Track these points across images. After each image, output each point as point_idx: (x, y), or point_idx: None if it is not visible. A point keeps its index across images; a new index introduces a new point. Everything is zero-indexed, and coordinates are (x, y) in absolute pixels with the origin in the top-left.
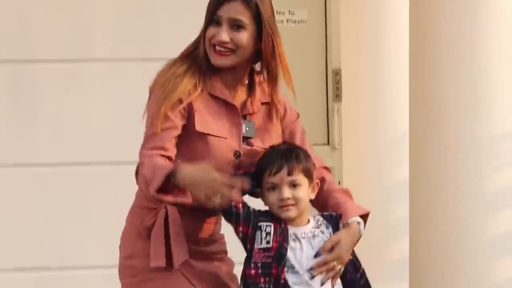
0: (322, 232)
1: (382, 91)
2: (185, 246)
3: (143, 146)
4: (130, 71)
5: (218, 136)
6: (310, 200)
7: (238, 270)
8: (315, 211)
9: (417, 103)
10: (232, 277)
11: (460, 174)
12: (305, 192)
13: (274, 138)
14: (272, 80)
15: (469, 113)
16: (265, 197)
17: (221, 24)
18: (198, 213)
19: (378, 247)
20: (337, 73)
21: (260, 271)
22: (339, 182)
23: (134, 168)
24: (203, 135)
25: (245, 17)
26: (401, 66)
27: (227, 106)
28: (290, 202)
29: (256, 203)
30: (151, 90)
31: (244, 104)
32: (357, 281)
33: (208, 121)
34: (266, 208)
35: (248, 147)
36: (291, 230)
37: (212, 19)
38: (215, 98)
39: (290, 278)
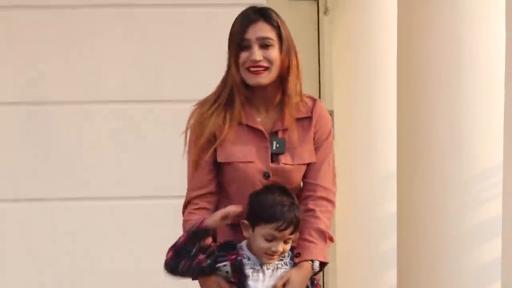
0: (286, 264)
1: (374, 131)
2: None
3: (187, 188)
4: (138, 112)
5: (244, 162)
6: None
7: None
8: None
9: (405, 143)
10: None
11: (446, 209)
12: (290, 243)
13: (306, 154)
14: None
15: (454, 152)
16: (255, 240)
17: (251, 46)
18: None
19: None
20: (329, 114)
21: None
22: None
23: (145, 202)
24: (230, 163)
25: (271, 34)
26: (392, 107)
27: (255, 130)
28: (278, 254)
29: None
30: (185, 133)
31: (275, 122)
32: None
33: (232, 149)
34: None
35: (274, 165)
36: (258, 260)
37: (240, 44)
38: (242, 124)
39: None
